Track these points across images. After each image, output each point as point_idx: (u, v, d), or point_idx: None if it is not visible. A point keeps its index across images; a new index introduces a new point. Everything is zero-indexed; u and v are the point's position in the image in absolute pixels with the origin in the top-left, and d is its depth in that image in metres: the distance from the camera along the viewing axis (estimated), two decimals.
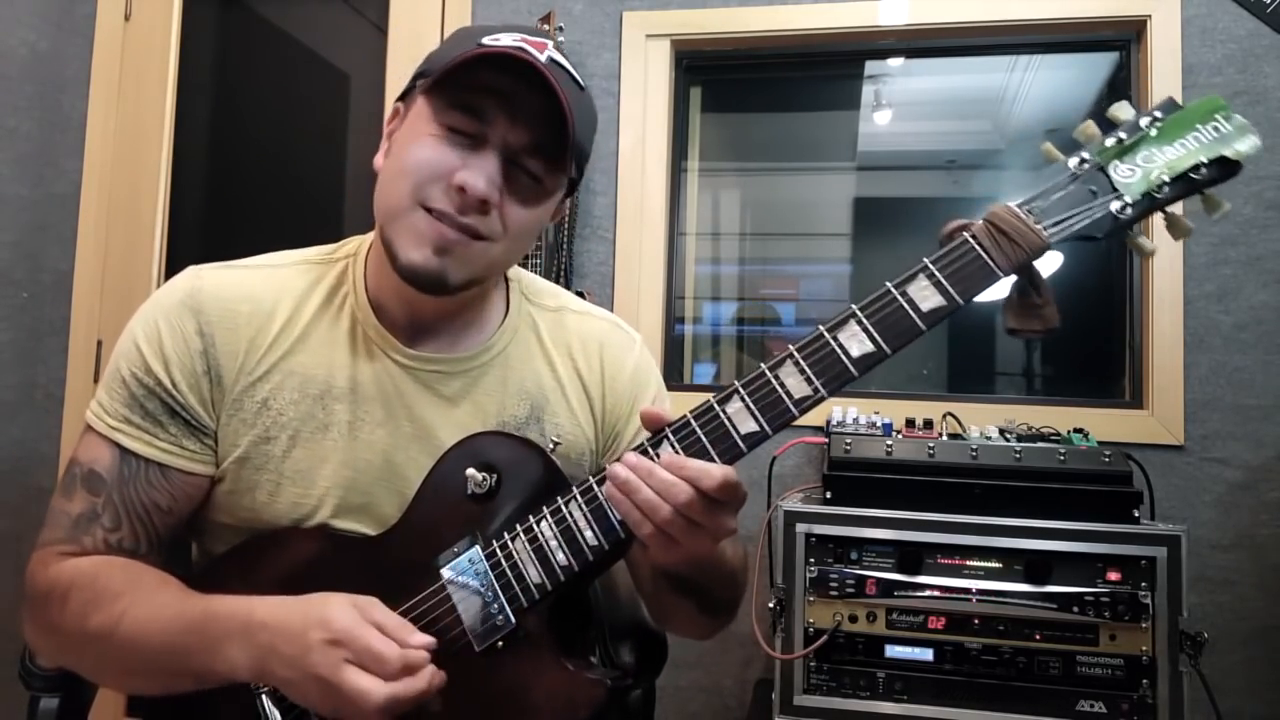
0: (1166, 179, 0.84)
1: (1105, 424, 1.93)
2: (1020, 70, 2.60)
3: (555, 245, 2.14)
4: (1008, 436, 1.72)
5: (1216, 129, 0.85)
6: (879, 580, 1.54)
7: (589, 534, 0.86)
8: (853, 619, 1.55)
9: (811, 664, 1.55)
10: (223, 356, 0.96)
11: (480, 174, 0.88)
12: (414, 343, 1.00)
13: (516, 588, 0.87)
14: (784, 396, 0.83)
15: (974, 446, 1.64)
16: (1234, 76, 1.99)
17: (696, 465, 0.80)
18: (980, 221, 0.84)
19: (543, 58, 0.89)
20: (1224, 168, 0.84)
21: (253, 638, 0.83)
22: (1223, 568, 1.92)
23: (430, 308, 0.98)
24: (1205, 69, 2.01)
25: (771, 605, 1.58)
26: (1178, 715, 1.45)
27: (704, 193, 2.69)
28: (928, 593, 1.53)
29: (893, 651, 1.53)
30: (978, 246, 0.83)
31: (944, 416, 1.88)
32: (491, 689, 0.89)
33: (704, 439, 0.83)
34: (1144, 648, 1.47)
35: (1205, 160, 0.84)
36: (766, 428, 0.83)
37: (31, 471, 2.36)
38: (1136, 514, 1.54)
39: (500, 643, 0.88)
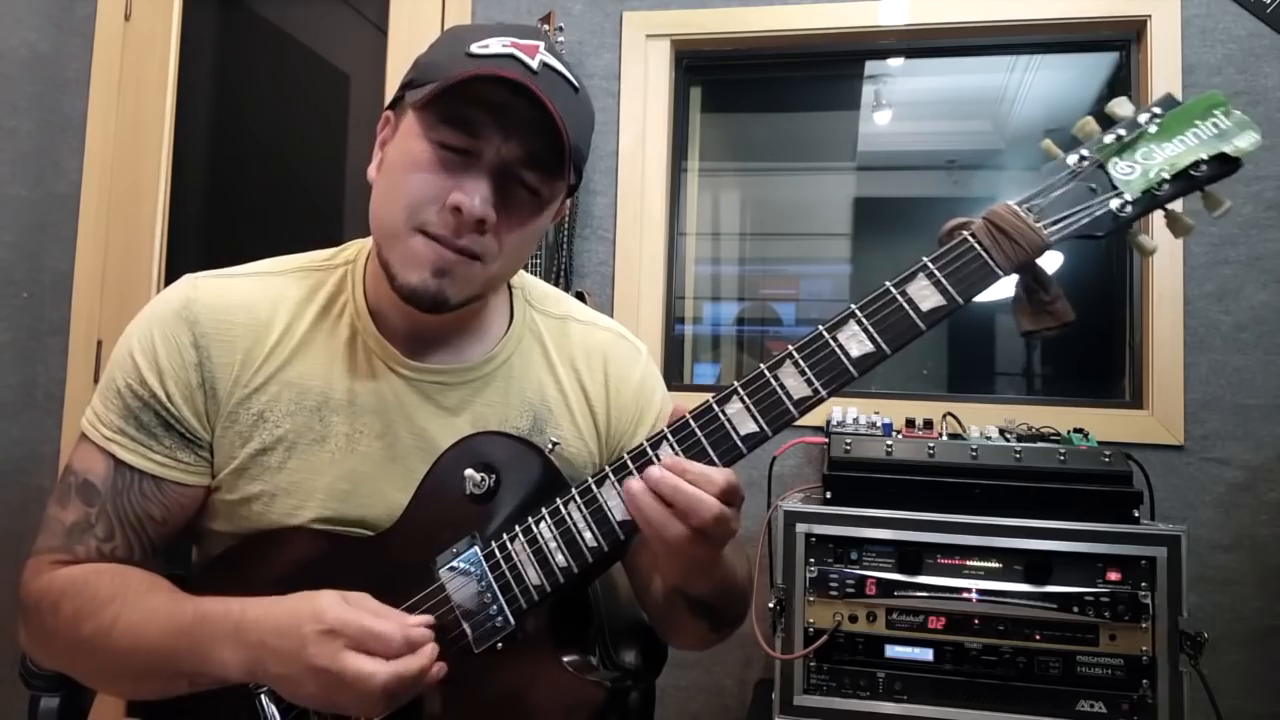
0: (1166, 176, 0.83)
1: (1105, 424, 1.93)
2: (1020, 70, 2.60)
3: (555, 245, 2.14)
4: (1008, 436, 1.72)
5: (1216, 125, 0.84)
6: (879, 580, 1.54)
7: (588, 535, 0.85)
8: (853, 619, 1.55)
9: (811, 664, 1.55)
10: (218, 369, 0.95)
11: (475, 194, 0.86)
12: (415, 353, 0.99)
13: (516, 589, 0.87)
14: (784, 397, 0.82)
15: (974, 446, 1.64)
16: (1234, 76, 1.99)
17: (697, 469, 0.79)
18: (980, 220, 0.83)
19: (534, 63, 0.87)
20: (1224, 164, 0.84)
21: (244, 638, 0.82)
22: (1223, 568, 1.92)
23: (432, 319, 0.96)
24: (1205, 69, 2.01)
25: (771, 605, 1.58)
26: (1178, 715, 1.45)
27: (704, 193, 2.69)
28: (928, 593, 1.53)
29: (893, 651, 1.53)
30: (977, 245, 0.82)
31: (944, 416, 1.88)
32: (491, 690, 0.89)
33: (703, 440, 0.83)
34: (1144, 648, 1.47)
35: (1205, 157, 0.83)
36: (766, 429, 0.82)
37: (31, 472, 2.36)
38: (1136, 514, 1.54)
39: (499, 644, 0.87)
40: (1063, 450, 1.61)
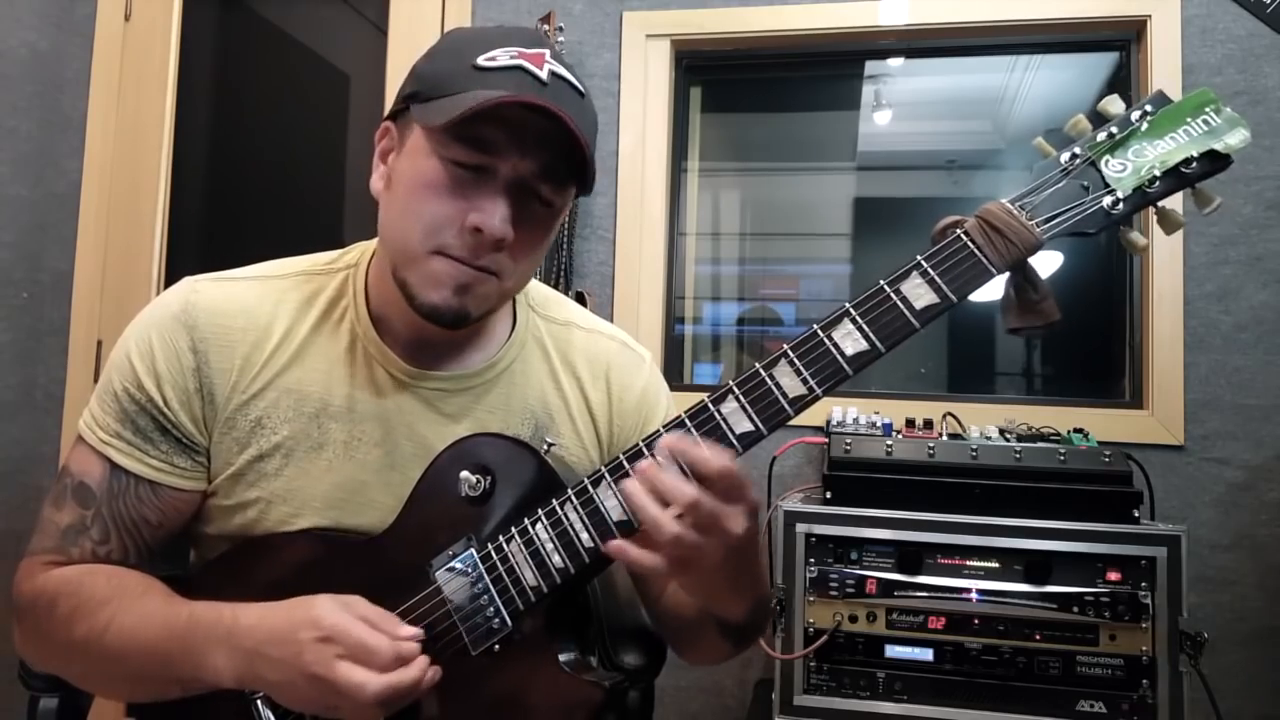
0: (1158, 173, 0.84)
1: (1105, 424, 1.93)
2: (1020, 70, 2.60)
3: (555, 245, 2.13)
4: (1008, 436, 1.72)
5: (1207, 123, 0.85)
6: (879, 580, 1.54)
7: (584, 536, 0.85)
8: (853, 619, 1.54)
9: (811, 664, 1.55)
10: (216, 374, 0.94)
11: (494, 214, 0.85)
12: (416, 359, 0.98)
13: (512, 590, 0.87)
14: (779, 396, 0.82)
15: (974, 446, 1.64)
16: (1234, 76, 1.99)
17: (696, 451, 0.77)
18: (973, 218, 0.84)
19: (544, 74, 0.85)
20: (1215, 161, 0.84)
21: (237, 644, 0.82)
22: (1223, 568, 1.92)
23: (439, 329, 0.95)
24: (1205, 69, 2.01)
25: (772, 605, 1.58)
26: (1178, 715, 1.44)
27: (704, 193, 2.69)
28: (928, 593, 1.53)
29: (893, 651, 1.53)
30: (971, 244, 0.82)
31: (944, 416, 1.88)
32: (488, 692, 0.88)
33: (699, 440, 0.82)
34: (1144, 648, 1.46)
35: (1196, 154, 0.84)
36: (762, 427, 0.82)
37: (31, 472, 2.36)
38: (1136, 514, 1.54)
39: (496, 646, 0.87)
40: (1063, 450, 1.61)
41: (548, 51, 0.88)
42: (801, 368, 0.82)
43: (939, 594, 1.52)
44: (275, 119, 2.66)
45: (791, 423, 0.84)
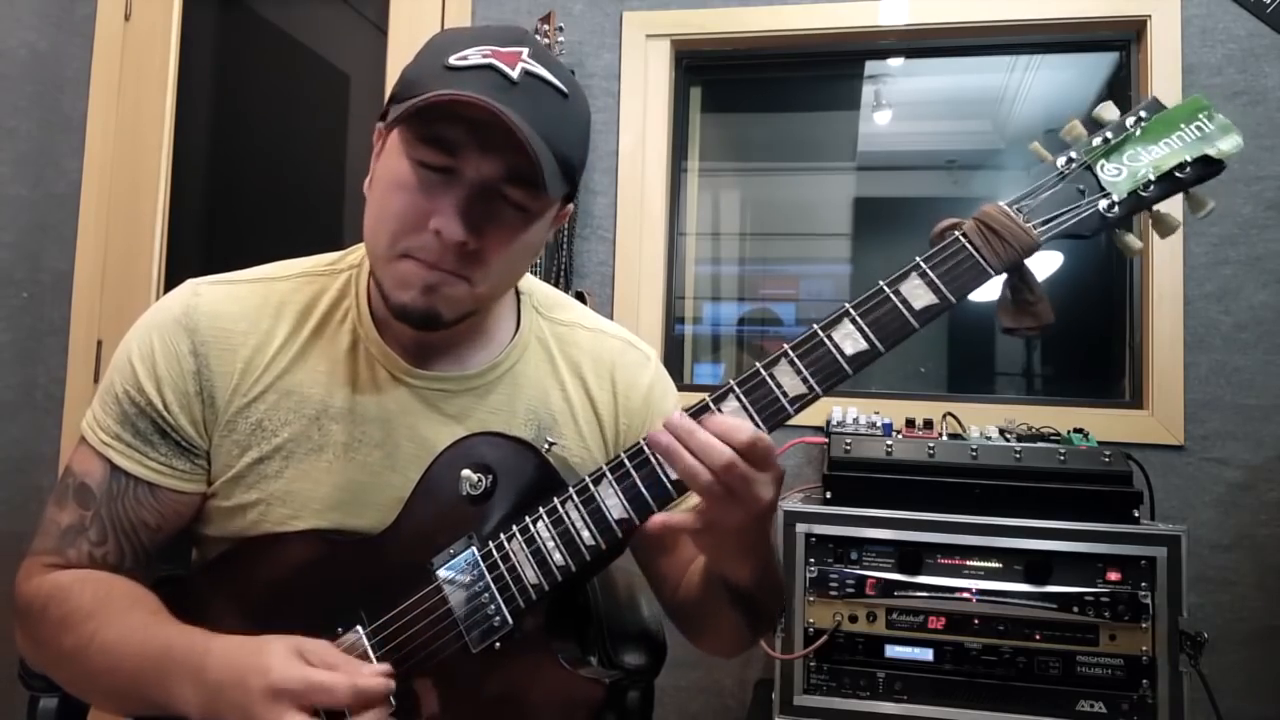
0: (1152, 177, 0.85)
1: (1105, 424, 1.93)
2: (1020, 70, 2.60)
3: (555, 245, 2.14)
4: (1008, 436, 1.72)
5: (1200, 128, 0.87)
6: (879, 580, 1.54)
7: (586, 534, 0.85)
8: (853, 619, 1.54)
9: (811, 664, 1.55)
10: (216, 377, 0.94)
11: (453, 217, 0.84)
12: (418, 360, 0.98)
13: (514, 588, 0.87)
14: (779, 395, 0.82)
15: (974, 446, 1.64)
16: (1234, 76, 1.99)
17: (727, 421, 0.78)
18: (971, 220, 0.85)
19: (515, 73, 0.84)
20: (1208, 166, 0.86)
21: (204, 679, 0.81)
22: (1223, 568, 1.92)
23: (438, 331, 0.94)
24: (1205, 69, 2.01)
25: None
26: (1178, 715, 1.44)
27: (704, 193, 2.69)
28: (928, 593, 1.53)
29: (893, 651, 1.53)
30: (969, 245, 0.83)
31: (944, 416, 1.88)
32: (489, 690, 0.88)
33: None
34: (1144, 648, 1.47)
35: (1189, 159, 0.85)
36: (762, 426, 0.82)
37: (31, 471, 2.36)
38: (1136, 514, 1.54)
39: (497, 644, 0.87)
40: (1063, 450, 1.61)
41: (525, 50, 0.86)
42: (802, 367, 0.82)
43: (939, 594, 1.52)
44: (275, 119, 2.66)
45: (791, 423, 0.84)
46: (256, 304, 0.97)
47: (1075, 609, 1.48)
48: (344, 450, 0.96)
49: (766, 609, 0.99)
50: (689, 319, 2.54)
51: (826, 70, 2.64)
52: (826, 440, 1.75)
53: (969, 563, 1.53)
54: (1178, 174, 0.86)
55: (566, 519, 0.86)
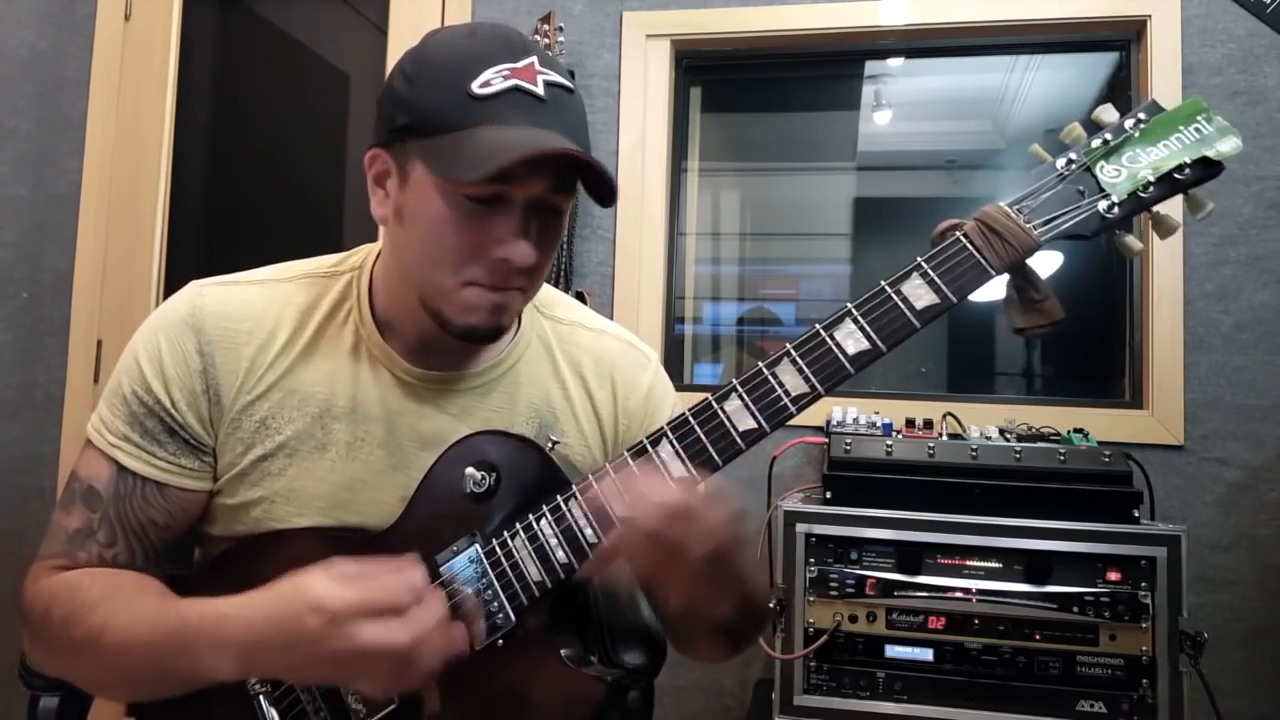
0: (1151, 179, 0.86)
1: (1105, 424, 1.93)
2: (1020, 70, 2.60)
3: None
4: (1008, 436, 1.72)
5: (1199, 130, 0.87)
6: (879, 580, 1.54)
7: (589, 532, 0.86)
8: (853, 619, 1.55)
9: (811, 664, 1.55)
10: (222, 375, 0.95)
11: (519, 243, 0.86)
12: (420, 360, 0.99)
13: (517, 586, 0.87)
14: (782, 395, 0.83)
15: (974, 446, 1.64)
16: (1234, 76, 1.99)
17: (642, 485, 0.80)
18: (972, 221, 0.85)
19: (540, 89, 0.84)
20: (1206, 168, 0.87)
21: (228, 639, 0.80)
22: (1223, 568, 1.92)
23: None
24: (1205, 69, 2.01)
25: (771, 605, 1.58)
26: (1178, 715, 1.45)
27: (704, 193, 2.69)
28: (928, 593, 1.53)
29: (893, 651, 1.53)
30: (970, 245, 0.84)
31: (944, 416, 1.88)
32: (491, 687, 0.89)
33: (703, 437, 0.84)
34: (1144, 648, 1.47)
35: (1188, 161, 0.86)
36: (764, 425, 0.83)
37: (31, 471, 2.36)
38: (1136, 514, 1.54)
39: (500, 641, 0.87)
40: (1063, 450, 1.61)
41: (535, 59, 0.86)
42: (804, 366, 0.83)
43: (939, 594, 1.53)
44: (275, 119, 2.66)
45: (791, 422, 0.85)
46: (261, 304, 0.98)
47: (1075, 609, 1.48)
48: (347, 449, 0.97)
49: (749, 633, 1.01)
50: (689, 319, 2.54)
51: (826, 70, 2.64)
52: (826, 440, 1.75)
53: (969, 563, 1.53)
54: (1177, 175, 0.86)
55: (569, 516, 0.87)
